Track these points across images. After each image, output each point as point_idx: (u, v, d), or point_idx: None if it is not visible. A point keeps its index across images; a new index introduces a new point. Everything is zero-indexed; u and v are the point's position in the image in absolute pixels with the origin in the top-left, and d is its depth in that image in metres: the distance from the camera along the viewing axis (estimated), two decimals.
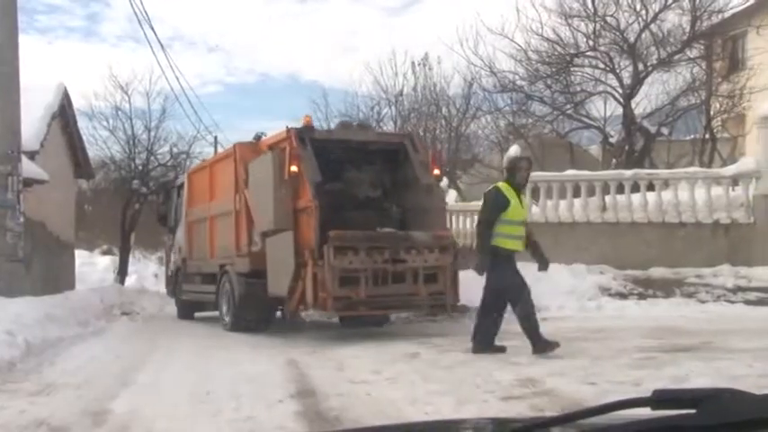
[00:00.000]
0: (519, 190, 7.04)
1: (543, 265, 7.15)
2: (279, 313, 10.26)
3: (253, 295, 9.67)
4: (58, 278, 16.56)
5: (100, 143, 21.73)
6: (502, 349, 6.78)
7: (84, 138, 20.13)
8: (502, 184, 7.00)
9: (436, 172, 9.74)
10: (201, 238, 11.76)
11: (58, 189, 16.50)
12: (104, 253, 29.83)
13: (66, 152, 18.87)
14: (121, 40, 53.34)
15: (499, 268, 6.77)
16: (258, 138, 10.35)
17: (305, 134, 9.08)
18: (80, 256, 23.13)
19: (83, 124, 20.13)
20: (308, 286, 8.30)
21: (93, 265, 25.28)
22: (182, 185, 13.51)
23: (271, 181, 8.83)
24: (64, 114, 17.53)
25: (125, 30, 52.11)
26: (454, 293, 8.81)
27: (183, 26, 57.25)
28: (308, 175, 8.67)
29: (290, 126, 9.19)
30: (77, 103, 19.08)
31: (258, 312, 9.86)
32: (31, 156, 13.53)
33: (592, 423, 0.96)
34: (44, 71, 34.93)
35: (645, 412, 0.95)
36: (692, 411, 0.86)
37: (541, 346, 6.56)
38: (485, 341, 6.84)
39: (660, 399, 0.90)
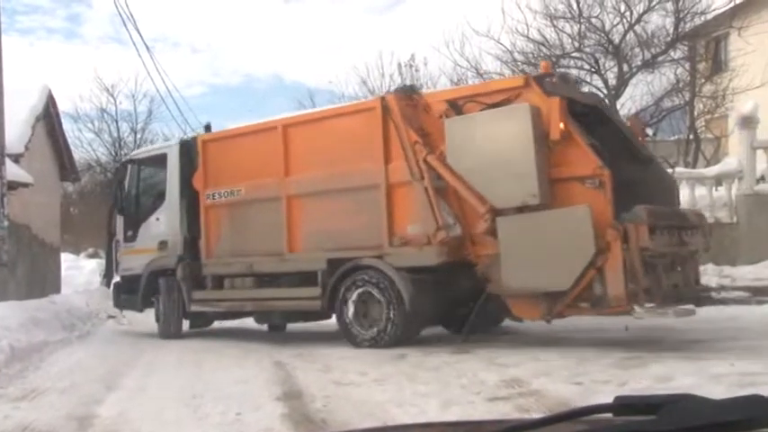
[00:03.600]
0: None
1: None
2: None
3: (429, 296, 7.67)
4: (43, 281, 16.46)
5: (85, 145, 21.77)
6: None
7: (70, 140, 20.15)
8: None
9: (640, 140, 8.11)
10: (258, 227, 8.79)
11: (43, 192, 16.39)
12: (90, 256, 29.61)
13: (52, 155, 18.76)
14: (103, 41, 52.88)
15: None
16: (413, 90, 8.24)
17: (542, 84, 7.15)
18: (66, 259, 22.95)
19: (68, 126, 20.12)
20: (612, 276, 6.42)
21: (79, 269, 25.06)
22: (153, 159, 10.41)
23: (530, 141, 6.80)
24: (48, 117, 17.43)
25: (107, 31, 51.62)
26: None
27: (165, 27, 56.96)
28: (582, 136, 6.89)
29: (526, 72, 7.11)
30: (62, 105, 19.03)
31: (434, 318, 8.06)
32: (16, 159, 13.45)
33: (553, 431, 0.98)
34: (26, 73, 34.67)
35: (608, 417, 0.98)
36: (652, 417, 0.89)
37: None
38: None
39: (621, 405, 0.93)
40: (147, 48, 29.11)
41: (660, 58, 17.62)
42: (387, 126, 7.71)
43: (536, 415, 4.00)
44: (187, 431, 4.49)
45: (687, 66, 18.46)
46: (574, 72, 18.29)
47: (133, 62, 27.29)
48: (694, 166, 16.13)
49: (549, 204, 6.80)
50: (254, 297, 8.95)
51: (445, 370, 6.07)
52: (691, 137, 18.23)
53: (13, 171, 12.26)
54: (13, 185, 11.88)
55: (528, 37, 17.53)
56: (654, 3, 16.75)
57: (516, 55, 17.79)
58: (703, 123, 18.30)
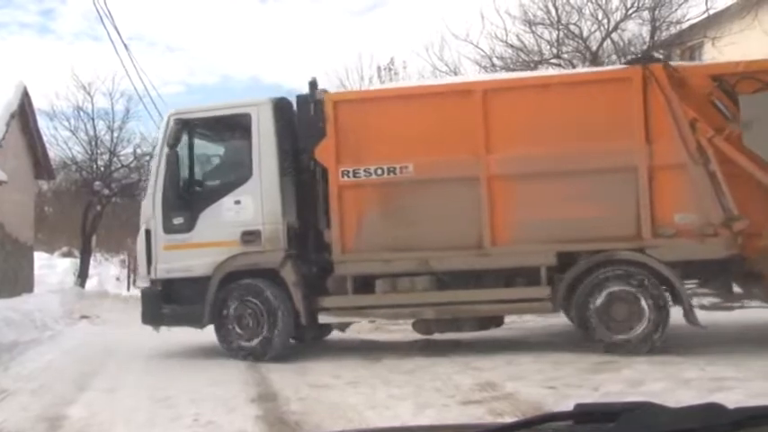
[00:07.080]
0: None
1: None
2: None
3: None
4: (15, 280, 16.22)
5: (61, 143, 21.31)
6: None
7: (45, 138, 19.77)
8: None
9: None
10: (439, 214, 7.12)
11: (16, 190, 16.17)
12: (65, 255, 29.26)
13: (26, 152, 18.50)
14: (78, 38, 52.24)
15: None
16: (663, 61, 7.27)
17: None
18: (39, 258, 22.66)
19: (43, 124, 19.78)
20: None
21: (52, 268, 24.76)
22: (224, 122, 7.94)
23: None
24: (24, 114, 17.20)
25: (81, 27, 50.97)
26: None
27: (140, 25, 56.30)
28: None
29: None
30: (37, 102, 18.74)
31: None
32: None
33: None
34: None
35: (568, 425, 1.00)
36: (611, 425, 0.91)
37: None
38: None
39: (581, 412, 0.95)
40: (126, 46, 28.68)
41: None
42: (648, 99, 6.78)
43: (509, 418, 4.03)
44: None
45: None
46: None
47: (108, 59, 26.68)
48: None
49: None
50: (436, 301, 7.19)
51: (419, 373, 6.09)
52: None
53: None
54: None
55: (507, 42, 17.68)
56: (631, 11, 17.00)
57: (495, 60, 17.95)
58: None
